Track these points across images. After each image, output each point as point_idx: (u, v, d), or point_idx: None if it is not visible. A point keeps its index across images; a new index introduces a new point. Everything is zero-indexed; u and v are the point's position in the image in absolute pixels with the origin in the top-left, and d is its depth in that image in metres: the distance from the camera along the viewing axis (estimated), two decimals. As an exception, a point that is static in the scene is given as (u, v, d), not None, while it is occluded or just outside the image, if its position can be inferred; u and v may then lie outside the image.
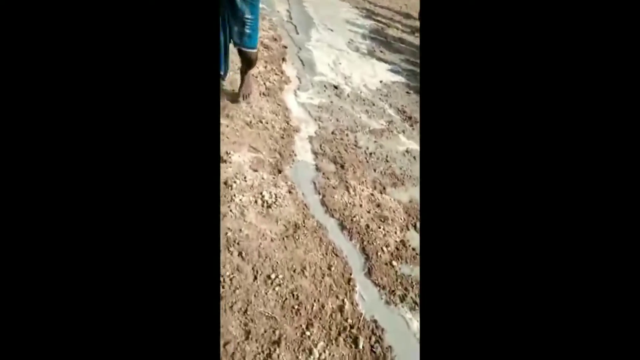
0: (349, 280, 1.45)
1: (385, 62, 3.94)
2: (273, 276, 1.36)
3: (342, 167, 2.07)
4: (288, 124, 2.27)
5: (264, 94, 2.51)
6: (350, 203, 1.82)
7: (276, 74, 2.82)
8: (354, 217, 1.74)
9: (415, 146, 2.57)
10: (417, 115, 2.97)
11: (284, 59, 3.13)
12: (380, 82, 3.40)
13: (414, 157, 2.42)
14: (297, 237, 1.53)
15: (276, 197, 1.69)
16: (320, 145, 2.21)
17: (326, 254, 1.51)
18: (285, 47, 3.39)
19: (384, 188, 2.03)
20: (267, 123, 2.19)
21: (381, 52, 4.19)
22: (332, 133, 2.37)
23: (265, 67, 2.88)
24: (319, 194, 1.83)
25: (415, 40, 5.12)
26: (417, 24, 6.03)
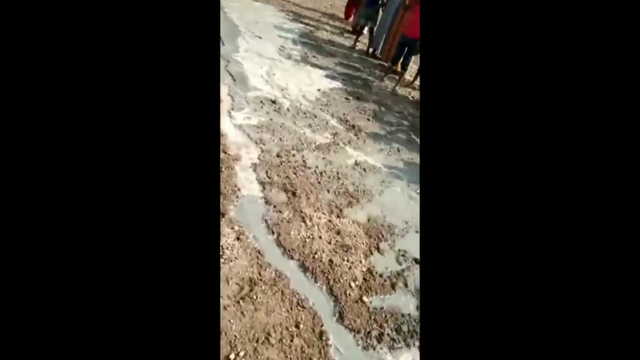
0: (321, 334, 1.26)
1: (320, 67, 3.80)
2: (232, 356, 1.12)
3: (294, 194, 1.87)
4: (226, 153, 1.99)
5: (193, 120, 2.18)
6: (309, 237, 1.63)
7: (205, 94, 2.49)
8: (315, 253, 1.56)
9: (363, 157, 2.47)
10: (360, 123, 2.88)
11: (211, 76, 2.80)
12: (319, 90, 3.24)
13: (364, 170, 2.32)
14: (254, 297, 1.29)
15: (223, 249, 1.43)
16: (267, 172, 1.98)
17: (291, 309, 1.30)
18: (212, 61, 3.04)
19: (341, 210, 1.88)
20: (201, 156, 1.89)
21: (314, 57, 4.04)
22: (278, 156, 2.15)
23: (191, 87, 2.53)
24: (273, 232, 1.60)
25: (345, 41, 5.09)
26: (344, 25, 6.03)
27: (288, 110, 2.72)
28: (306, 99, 3.00)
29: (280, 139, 2.33)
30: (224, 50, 3.41)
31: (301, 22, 5.31)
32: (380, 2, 4.58)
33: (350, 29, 5.67)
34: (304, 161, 2.17)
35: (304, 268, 1.49)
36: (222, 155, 1.96)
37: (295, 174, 2.03)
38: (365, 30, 4.88)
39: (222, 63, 3.13)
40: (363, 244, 1.71)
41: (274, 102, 2.75)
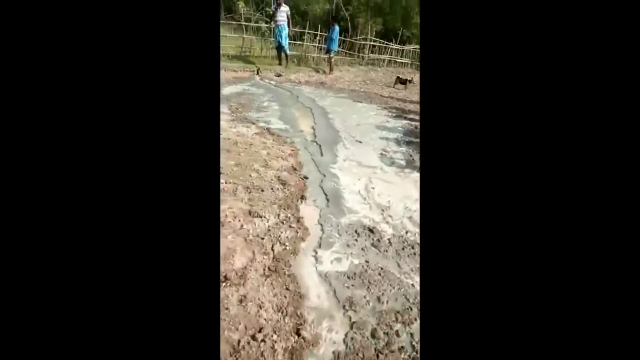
0: None
1: (429, 173, 3.12)
2: None
3: None
4: (299, 334, 1.38)
5: (269, 269, 1.72)
6: None
7: (291, 226, 2.08)
8: None
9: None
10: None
11: (302, 198, 2.44)
12: (430, 208, 2.51)
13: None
14: None
15: None
16: (354, 377, 1.24)
17: None
18: (306, 178, 2.75)
19: None
20: (264, 341, 1.32)
21: (421, 159, 3.43)
22: (373, 336, 1.41)
23: (278, 215, 2.18)
24: None
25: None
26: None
27: (390, 242, 2.04)
28: (413, 222, 2.29)
29: (379, 299, 1.61)
30: (321, 161, 3.14)
31: (405, 119, 4.93)
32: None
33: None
34: (413, 347, 1.37)
35: None
36: (293, 340, 1.35)
37: (400, 382, 1.23)
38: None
39: (318, 177, 2.81)
40: None
41: (372, 230, 2.14)
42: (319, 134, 3.89)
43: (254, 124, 3.91)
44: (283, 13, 7.20)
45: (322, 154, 3.32)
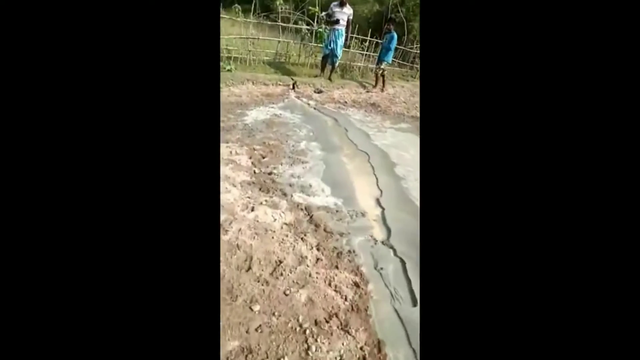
0: None
1: None
2: None
3: None
4: None
5: None
6: None
7: None
8: None
9: None
10: None
11: None
12: None
13: None
14: None
15: None
16: None
17: None
18: None
19: None
20: None
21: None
22: None
23: None
24: None
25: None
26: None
27: None
28: None
29: None
30: (409, 319, 1.46)
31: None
32: None
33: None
34: None
35: None
36: None
37: None
38: None
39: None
40: None
41: None
42: (393, 222, 2.20)
43: (285, 195, 2.30)
44: (344, 15, 5.46)
45: (414, 301, 1.62)
